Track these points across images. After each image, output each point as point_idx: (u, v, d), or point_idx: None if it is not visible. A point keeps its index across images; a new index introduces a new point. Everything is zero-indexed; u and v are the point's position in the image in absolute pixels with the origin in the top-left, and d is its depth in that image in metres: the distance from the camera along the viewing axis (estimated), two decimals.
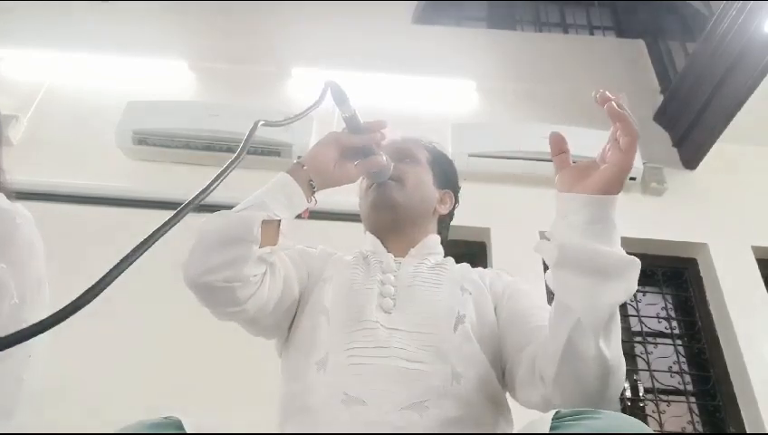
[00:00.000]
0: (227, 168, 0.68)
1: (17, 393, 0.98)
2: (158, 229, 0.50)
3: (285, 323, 0.94)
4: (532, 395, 0.80)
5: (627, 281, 0.68)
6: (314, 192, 0.89)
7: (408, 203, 1.04)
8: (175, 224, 0.51)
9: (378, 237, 1.05)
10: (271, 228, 0.82)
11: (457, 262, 1.05)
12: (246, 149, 0.73)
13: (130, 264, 0.45)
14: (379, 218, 1.05)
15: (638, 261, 0.69)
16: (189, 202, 0.56)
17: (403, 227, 1.05)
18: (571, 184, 0.74)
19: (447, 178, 1.15)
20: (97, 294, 0.41)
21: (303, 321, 0.93)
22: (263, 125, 0.81)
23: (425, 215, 1.08)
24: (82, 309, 0.41)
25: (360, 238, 1.13)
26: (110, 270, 0.43)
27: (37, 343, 1.03)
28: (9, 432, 0.96)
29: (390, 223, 1.05)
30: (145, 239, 0.48)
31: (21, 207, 1.06)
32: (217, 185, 0.62)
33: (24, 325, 1.01)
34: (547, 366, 0.75)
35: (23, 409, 1.00)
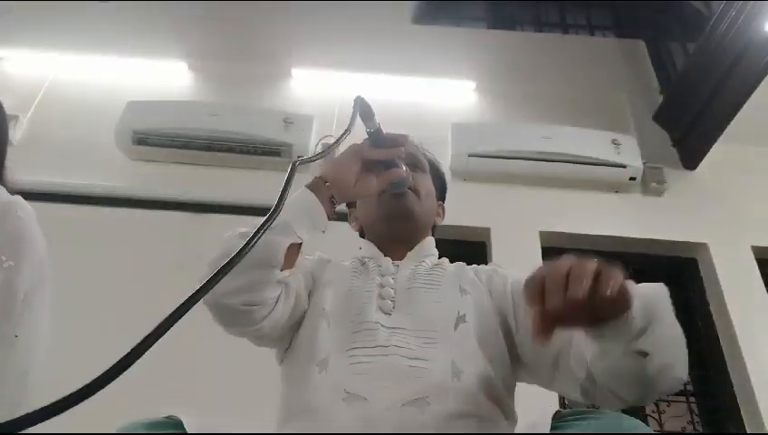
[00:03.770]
0: (267, 221, 0.63)
1: (24, 387, 0.99)
2: (188, 299, 0.48)
3: (289, 335, 0.95)
4: (570, 385, 0.81)
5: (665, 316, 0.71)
6: (335, 207, 0.89)
7: (422, 214, 1.06)
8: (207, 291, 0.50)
9: (376, 244, 1.06)
10: (292, 250, 0.82)
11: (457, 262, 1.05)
12: (286, 196, 0.68)
13: (161, 335, 0.44)
14: (395, 228, 1.05)
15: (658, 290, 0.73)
16: (216, 273, 0.53)
17: (412, 237, 1.06)
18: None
19: (442, 190, 1.18)
20: (127, 366, 0.41)
21: (304, 325, 0.93)
22: (299, 163, 0.77)
23: (429, 226, 1.10)
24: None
25: (344, 239, 1.14)
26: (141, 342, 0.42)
27: (39, 339, 1.04)
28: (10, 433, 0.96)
29: (405, 232, 1.05)
30: (180, 305, 0.46)
31: (21, 199, 1.06)
32: (257, 240, 0.59)
33: (25, 322, 1.00)
34: (607, 380, 0.75)
35: (25, 408, 1.00)
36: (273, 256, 0.79)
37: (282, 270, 0.81)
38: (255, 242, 0.59)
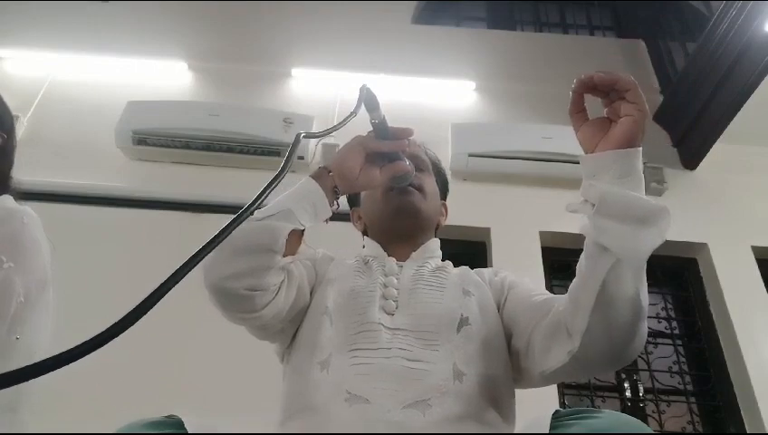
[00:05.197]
0: (269, 186, 0.63)
1: (21, 390, 0.99)
2: (177, 271, 0.46)
3: (291, 330, 0.94)
4: (559, 355, 0.79)
5: (661, 227, 0.71)
6: (338, 197, 0.89)
7: (427, 212, 1.06)
8: (198, 263, 0.49)
9: (380, 242, 1.06)
10: (294, 237, 0.83)
11: (457, 262, 1.05)
12: (291, 162, 0.70)
13: (145, 311, 0.42)
14: (400, 225, 1.05)
15: (668, 209, 0.72)
16: (210, 241, 0.52)
17: (416, 236, 1.06)
18: (593, 142, 0.76)
19: (444, 190, 1.18)
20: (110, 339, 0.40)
21: (306, 322, 0.93)
22: (304, 137, 0.79)
23: (433, 225, 1.10)
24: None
25: (343, 238, 1.14)
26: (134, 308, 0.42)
27: (40, 341, 1.04)
28: (10, 432, 0.96)
29: (409, 229, 1.05)
30: (176, 271, 0.45)
31: (28, 208, 1.07)
32: (251, 212, 0.59)
33: (27, 324, 1.01)
34: (577, 319, 0.75)
35: (25, 408, 1.00)
36: (275, 240, 0.79)
37: (284, 256, 0.81)
38: (259, 203, 0.60)
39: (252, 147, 2.86)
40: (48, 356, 0.37)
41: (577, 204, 0.76)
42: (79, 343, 0.38)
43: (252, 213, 0.59)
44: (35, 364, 0.36)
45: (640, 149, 0.73)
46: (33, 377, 0.36)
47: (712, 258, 2.78)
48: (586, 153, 0.77)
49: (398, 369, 0.81)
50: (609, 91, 0.74)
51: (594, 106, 0.79)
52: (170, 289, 0.43)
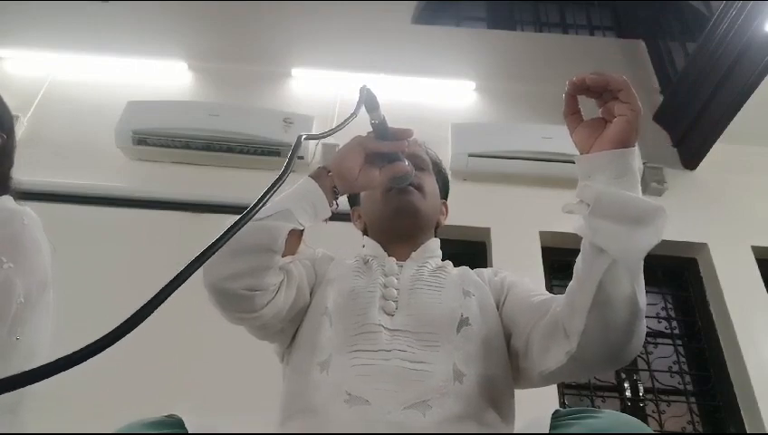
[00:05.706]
0: (270, 188, 0.62)
1: (22, 389, 0.99)
2: (181, 272, 0.45)
3: (291, 330, 0.94)
4: (557, 355, 0.79)
5: (657, 227, 0.70)
6: (337, 197, 0.89)
7: (427, 212, 1.06)
8: (197, 269, 0.48)
9: (380, 242, 1.05)
10: (293, 238, 0.83)
11: (457, 262, 1.05)
12: (293, 164, 0.69)
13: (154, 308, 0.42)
14: (399, 225, 1.05)
15: (664, 208, 0.71)
16: (212, 244, 0.51)
17: (416, 235, 1.06)
18: (589, 143, 0.76)
19: (445, 189, 1.18)
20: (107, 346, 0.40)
21: (306, 322, 0.93)
22: (305, 139, 0.79)
23: (433, 225, 1.10)
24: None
25: (343, 238, 1.14)
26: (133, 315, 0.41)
27: (41, 342, 1.04)
28: (10, 432, 0.96)
29: (409, 229, 1.05)
30: (173, 279, 0.45)
31: (28, 209, 1.07)
32: (252, 216, 0.58)
33: (28, 325, 1.01)
34: (574, 320, 0.75)
35: (25, 408, 1.00)
36: (274, 240, 0.79)
37: (283, 256, 0.82)
38: (262, 205, 0.59)
39: (252, 147, 2.86)
40: (46, 358, 0.36)
41: (573, 205, 0.76)
42: (79, 344, 0.38)
43: (254, 215, 0.59)
44: (37, 368, 0.36)
45: (635, 148, 0.73)
46: (36, 381, 0.36)
47: (712, 258, 2.78)
48: (581, 154, 0.77)
49: (397, 370, 0.81)
50: (602, 91, 0.74)
51: (591, 106, 0.79)
52: (172, 293, 0.43)
